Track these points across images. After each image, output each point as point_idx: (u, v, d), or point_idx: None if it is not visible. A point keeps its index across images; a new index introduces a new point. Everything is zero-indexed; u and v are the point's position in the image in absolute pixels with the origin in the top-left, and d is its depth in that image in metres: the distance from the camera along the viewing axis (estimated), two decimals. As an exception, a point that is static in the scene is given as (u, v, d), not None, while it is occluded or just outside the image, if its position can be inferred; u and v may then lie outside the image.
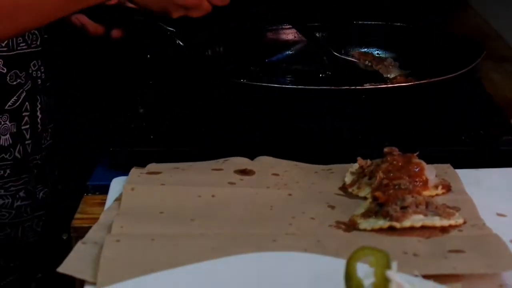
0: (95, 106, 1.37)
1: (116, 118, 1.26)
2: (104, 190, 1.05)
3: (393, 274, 0.65)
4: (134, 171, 1.06)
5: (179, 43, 1.27)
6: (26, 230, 1.24)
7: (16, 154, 1.20)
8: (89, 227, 0.94)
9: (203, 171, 1.05)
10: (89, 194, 1.07)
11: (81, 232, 0.94)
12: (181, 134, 1.20)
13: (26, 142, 1.21)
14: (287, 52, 1.41)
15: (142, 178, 1.04)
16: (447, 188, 1.01)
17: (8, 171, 1.20)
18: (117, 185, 1.04)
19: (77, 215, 1.02)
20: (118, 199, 1.00)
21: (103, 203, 1.01)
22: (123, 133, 1.20)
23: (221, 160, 1.09)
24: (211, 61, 1.33)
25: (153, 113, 1.27)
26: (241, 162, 1.08)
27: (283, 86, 1.16)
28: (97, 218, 0.96)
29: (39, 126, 1.22)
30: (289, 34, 1.44)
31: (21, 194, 1.22)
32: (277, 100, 1.12)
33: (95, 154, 1.18)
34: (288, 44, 1.43)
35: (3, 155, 1.19)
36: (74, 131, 1.33)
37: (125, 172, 1.06)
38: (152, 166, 1.08)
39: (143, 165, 1.08)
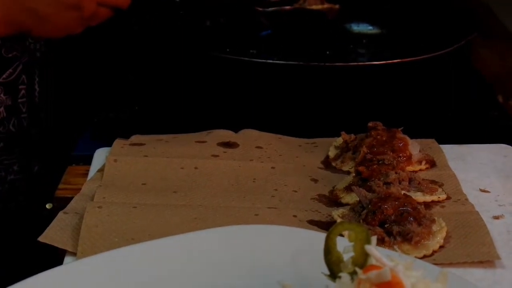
0: (89, 79, 1.36)
1: (102, 89, 1.26)
2: (89, 160, 1.04)
3: (372, 248, 0.65)
4: (118, 142, 1.05)
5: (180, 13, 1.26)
6: (21, 205, 1.23)
7: (11, 127, 1.19)
8: (73, 198, 0.93)
9: (186, 143, 1.05)
10: (73, 165, 1.06)
11: (65, 203, 0.93)
12: (166, 105, 1.19)
13: (22, 115, 1.20)
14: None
15: (125, 149, 1.04)
16: (431, 163, 1.01)
17: (1, 143, 1.19)
18: (100, 155, 1.04)
19: (60, 186, 1.01)
20: (101, 170, 1.00)
21: (87, 174, 1.01)
22: (107, 103, 1.20)
23: (204, 132, 1.08)
24: (210, 32, 1.33)
25: (139, 84, 1.26)
26: (225, 134, 1.08)
27: (269, 61, 1.16)
28: (81, 189, 0.96)
29: (36, 99, 1.21)
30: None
31: (15, 167, 1.21)
32: (263, 74, 1.11)
33: (80, 124, 1.18)
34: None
35: None
36: (62, 102, 1.32)
37: (109, 143, 1.05)
38: (135, 138, 1.07)
39: (127, 136, 1.07)
